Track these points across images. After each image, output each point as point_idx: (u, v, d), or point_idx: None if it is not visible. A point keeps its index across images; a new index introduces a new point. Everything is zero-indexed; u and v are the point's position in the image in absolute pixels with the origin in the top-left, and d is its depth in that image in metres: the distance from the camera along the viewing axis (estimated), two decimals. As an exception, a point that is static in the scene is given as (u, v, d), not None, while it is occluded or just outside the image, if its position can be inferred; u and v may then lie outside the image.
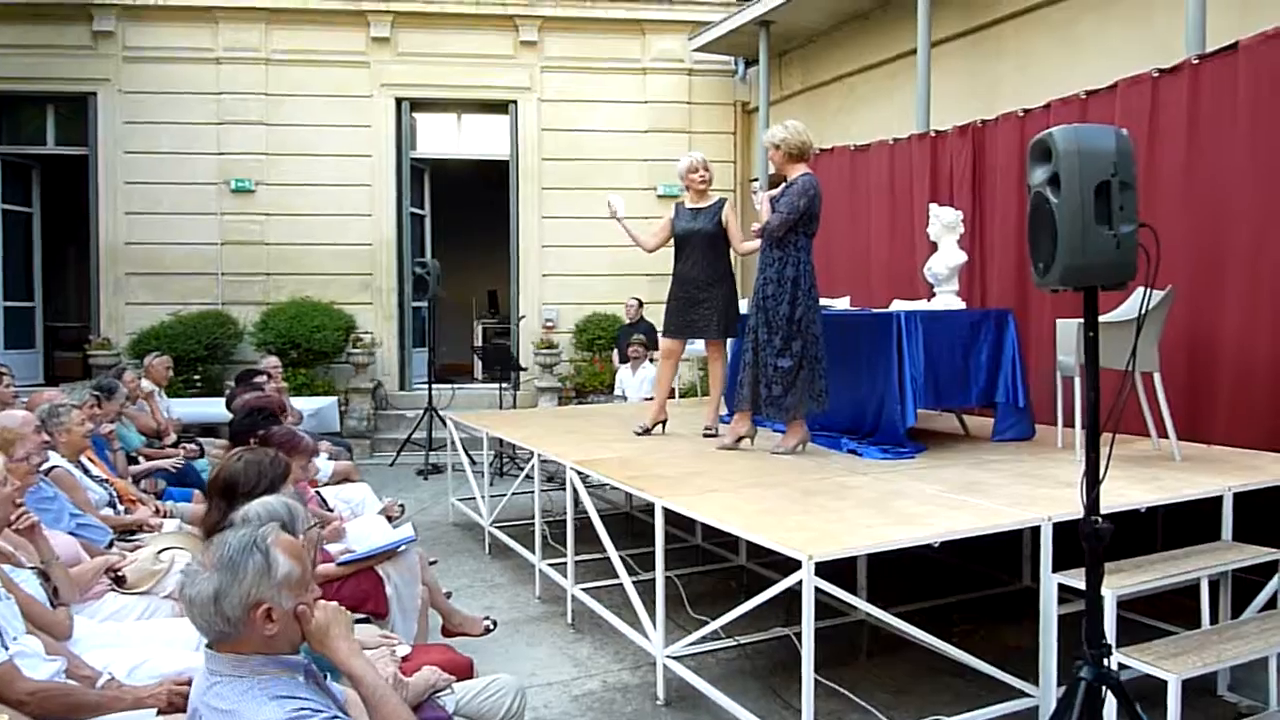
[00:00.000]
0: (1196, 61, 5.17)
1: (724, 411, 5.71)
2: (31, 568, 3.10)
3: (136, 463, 6.18)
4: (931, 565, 4.96)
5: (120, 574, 3.58)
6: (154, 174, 10.81)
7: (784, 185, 4.95)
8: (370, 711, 1.97)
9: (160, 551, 3.83)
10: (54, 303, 12.34)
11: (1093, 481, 2.32)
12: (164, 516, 4.85)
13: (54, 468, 4.21)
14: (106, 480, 4.77)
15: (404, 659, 2.84)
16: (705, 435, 5.56)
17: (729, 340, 5.72)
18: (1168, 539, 4.28)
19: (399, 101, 11.24)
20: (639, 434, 5.67)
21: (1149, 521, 4.23)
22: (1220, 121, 5.00)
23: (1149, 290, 2.46)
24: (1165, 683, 2.99)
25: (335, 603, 2.00)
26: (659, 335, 9.70)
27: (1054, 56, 7.02)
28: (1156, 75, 5.35)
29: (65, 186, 11.53)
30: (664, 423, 5.74)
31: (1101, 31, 6.70)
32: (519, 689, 2.70)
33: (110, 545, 4.09)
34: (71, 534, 3.87)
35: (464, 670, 2.91)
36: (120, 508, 4.70)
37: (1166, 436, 4.60)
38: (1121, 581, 3.27)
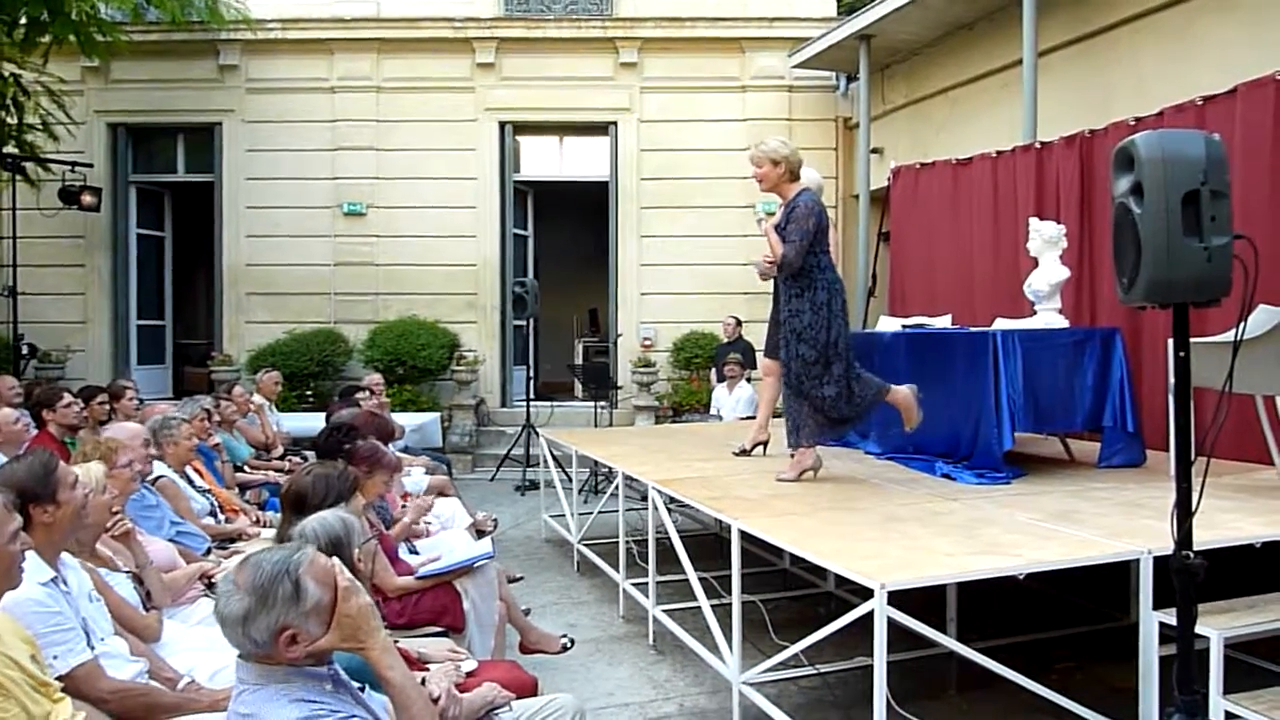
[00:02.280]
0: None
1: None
2: (126, 572, 3.26)
3: (245, 474, 6.47)
4: (1033, 597, 4.71)
5: (214, 580, 3.72)
6: (273, 199, 11.37)
7: (786, 209, 4.74)
8: (397, 712, 1.99)
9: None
10: (183, 321, 13.13)
11: (1184, 513, 2.14)
12: (264, 526, 5.05)
13: (160, 477, 4.44)
14: (209, 490, 4.98)
15: (469, 674, 2.86)
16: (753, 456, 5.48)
17: None
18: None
19: (502, 125, 11.51)
20: (737, 454, 5.57)
21: (1273, 557, 3.92)
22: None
23: (1246, 306, 2.26)
24: (1278, 734, 2.74)
25: (369, 601, 2.01)
26: (757, 354, 9.68)
27: (1169, 62, 6.65)
28: (1281, 78, 4.99)
29: (194, 211, 12.25)
30: (765, 444, 5.60)
31: (1219, 34, 6.32)
32: (578, 709, 2.67)
33: (208, 553, 4.28)
34: (171, 540, 4.06)
35: (527, 689, 2.89)
36: (221, 517, 4.91)
37: (1292, 465, 4.26)
38: (1231, 622, 3.02)
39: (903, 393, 4.70)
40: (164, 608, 3.36)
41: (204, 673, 2.94)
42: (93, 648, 2.61)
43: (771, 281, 5.45)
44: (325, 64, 11.38)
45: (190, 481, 4.82)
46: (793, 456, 4.83)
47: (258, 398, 7.70)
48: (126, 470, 3.69)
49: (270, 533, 4.91)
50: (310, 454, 7.30)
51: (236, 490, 5.78)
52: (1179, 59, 6.57)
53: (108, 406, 6.15)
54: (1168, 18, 6.74)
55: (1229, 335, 4.09)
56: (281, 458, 7.17)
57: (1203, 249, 2.10)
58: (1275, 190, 4.98)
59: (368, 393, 7.41)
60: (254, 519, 5.14)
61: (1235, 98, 5.23)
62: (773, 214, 5.06)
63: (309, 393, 10.54)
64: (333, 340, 10.98)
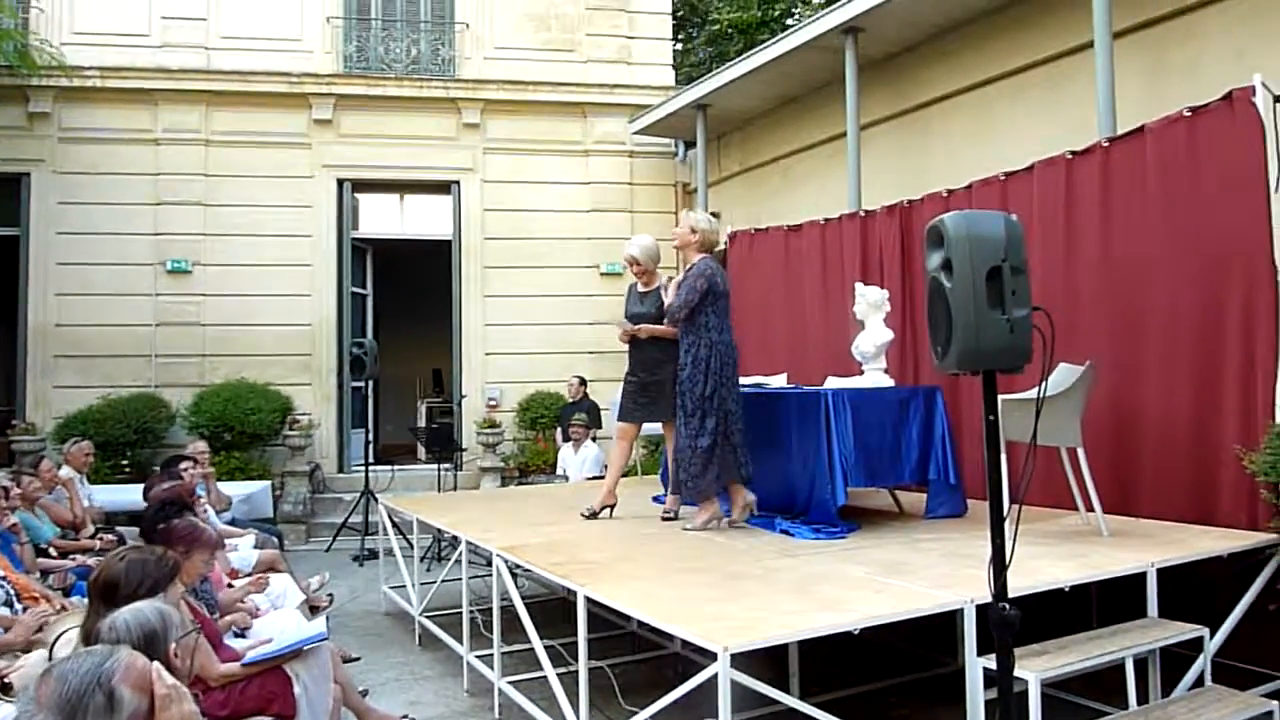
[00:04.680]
0: (1107, 144, 5.35)
1: (661, 492, 5.67)
2: (-99, 679, 2.91)
3: (50, 556, 5.92)
4: (870, 647, 4.87)
5: (6, 681, 3.37)
6: (88, 255, 10.62)
7: (685, 271, 5.14)
8: None
9: (53, 646, 3.63)
10: (-21, 387, 11.99)
11: (1000, 567, 2.28)
12: (68, 613, 4.61)
13: (-55, 566, 4.00)
14: (5, 577, 4.52)
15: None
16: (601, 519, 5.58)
17: None
18: (1103, 613, 4.27)
19: (340, 182, 11.25)
20: (586, 517, 5.57)
21: (1083, 596, 4.22)
22: (1132, 199, 5.15)
23: (1046, 374, 2.46)
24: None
25: (193, 709, 1.85)
26: (603, 413, 9.73)
27: (976, 138, 7.26)
28: (1070, 157, 5.52)
29: (-5, 267, 11.30)
30: (612, 507, 5.62)
31: (1013, 116, 6.96)
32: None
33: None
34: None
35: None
36: (19, 606, 4.46)
37: (1094, 510, 4.62)
38: (1045, 664, 3.22)
39: (744, 499, 5.09)
40: (-54, 716, 3.01)
41: (-8, 788, 2.65)
42: None
43: (627, 347, 5.60)
44: (149, 114, 10.82)
45: (-18, 568, 4.36)
46: (670, 513, 5.38)
47: (66, 470, 7.09)
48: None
49: (74, 621, 4.51)
50: (125, 530, 6.82)
51: (38, 575, 5.27)
52: (984, 136, 7.18)
53: (-114, 486, 5.52)
54: (971, 99, 7.37)
55: (1034, 392, 4.43)
56: (93, 536, 6.60)
57: (1005, 320, 2.28)
58: (1069, 254, 5.48)
59: (192, 462, 6.95)
60: (58, 606, 4.69)
61: (1032, 174, 5.74)
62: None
63: (124, 462, 9.79)
64: (153, 405, 10.27)
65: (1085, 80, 6.13)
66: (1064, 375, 4.60)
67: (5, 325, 11.42)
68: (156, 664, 1.81)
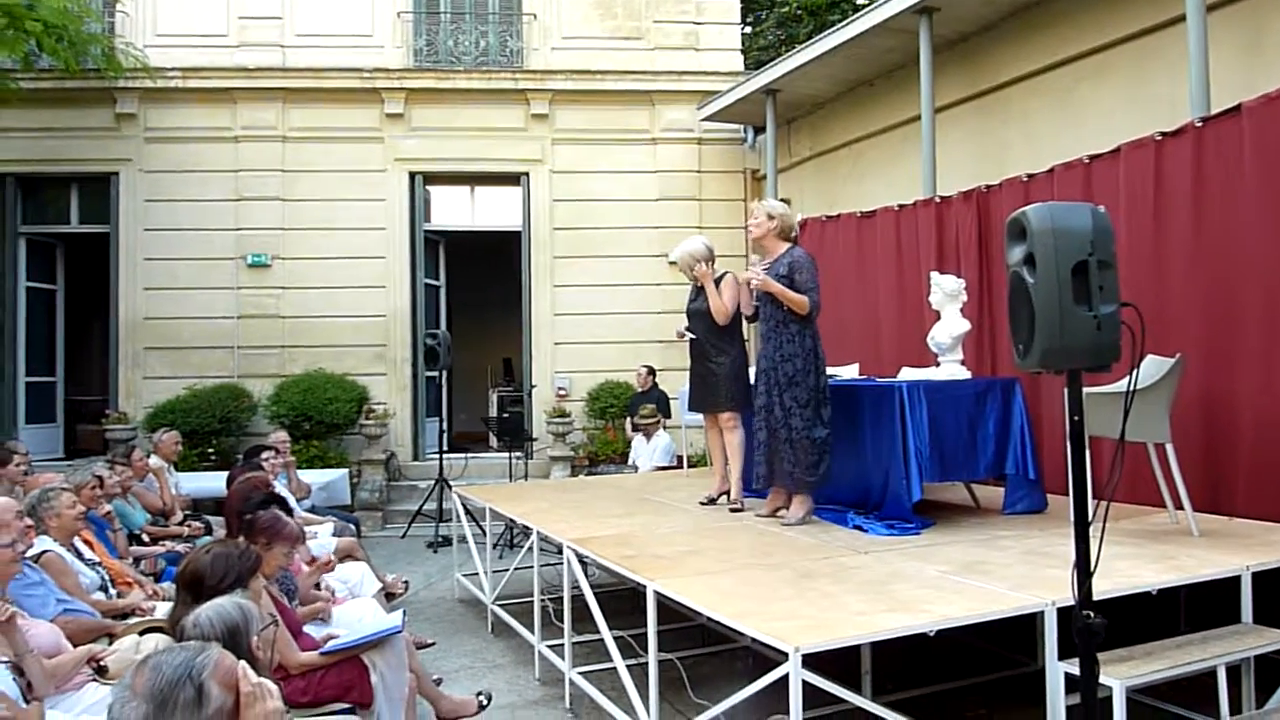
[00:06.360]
0: (1200, 124, 5.11)
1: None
2: (4, 662, 3.04)
3: (142, 542, 6.15)
4: (945, 646, 4.77)
5: (102, 664, 3.51)
6: (173, 250, 11.00)
7: (785, 263, 4.99)
8: None
9: (143, 634, 3.78)
10: (75, 377, 12.51)
11: (1084, 574, 2.20)
12: (159, 599, 4.79)
13: (44, 552, 4.18)
14: (100, 563, 4.71)
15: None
16: (719, 506, 5.55)
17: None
18: (1192, 617, 4.10)
19: (413, 175, 11.42)
20: (703, 504, 5.69)
21: (1171, 600, 4.06)
22: (1227, 182, 4.92)
23: (1135, 366, 2.35)
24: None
25: (278, 707, 1.90)
26: (671, 403, 9.71)
27: (1058, 120, 7.00)
28: (1160, 138, 5.29)
29: (90, 263, 11.76)
30: (727, 494, 5.64)
31: (1099, 97, 6.69)
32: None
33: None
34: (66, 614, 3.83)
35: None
36: (113, 591, 4.64)
37: (1183, 509, 4.44)
38: (1130, 670, 3.11)
39: (811, 498, 5.07)
40: (46, 697, 3.15)
41: (88, 768, 2.76)
42: (-37, 751, 2.43)
43: (688, 339, 5.58)
44: (228, 113, 11.14)
45: (79, 554, 4.54)
46: (740, 506, 5.38)
47: (155, 459, 7.35)
48: (8, 550, 3.47)
49: (166, 606, 4.67)
50: (214, 519, 7.04)
51: (130, 561, 5.48)
52: (1066, 118, 6.93)
53: (-10, 474, 5.79)
54: (1052, 79, 7.11)
55: (1120, 385, 4.27)
56: (181, 523, 6.84)
57: (1092, 318, 2.19)
58: (1158, 241, 5.26)
59: (274, 452, 7.15)
60: (149, 591, 4.87)
61: (1119, 157, 5.52)
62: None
63: (210, 451, 10.13)
64: (236, 396, 10.60)
65: (1176, 57, 5.86)
66: (1152, 368, 4.42)
67: (99, 319, 11.90)
68: (243, 663, 1.86)
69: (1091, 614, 2.22)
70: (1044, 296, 2.21)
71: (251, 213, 11.11)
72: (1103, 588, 3.02)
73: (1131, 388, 2.34)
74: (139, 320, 11.02)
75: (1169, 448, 4.40)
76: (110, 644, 3.73)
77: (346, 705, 3.58)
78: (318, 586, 4.77)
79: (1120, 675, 3.03)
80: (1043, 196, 5.75)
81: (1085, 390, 2.82)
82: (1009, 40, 7.53)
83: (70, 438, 11.97)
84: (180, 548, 6.03)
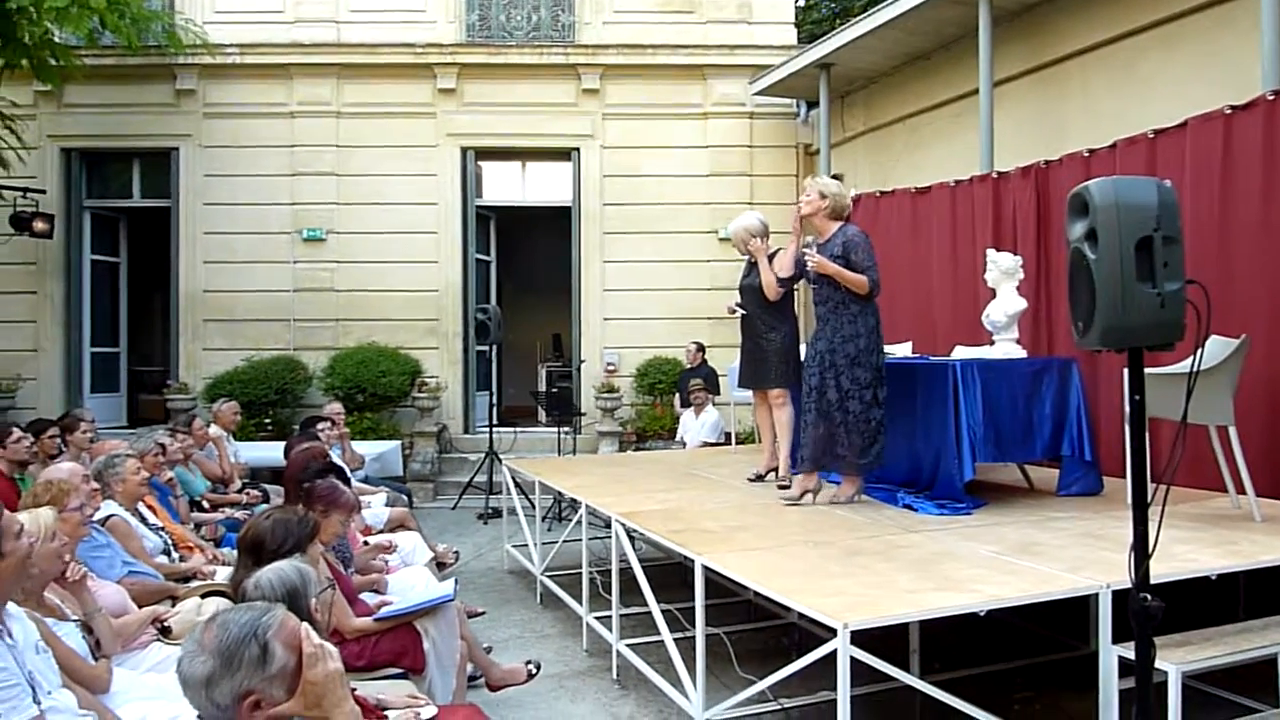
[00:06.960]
0: (1272, 97, 4.94)
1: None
2: (75, 620, 3.16)
3: (202, 508, 6.33)
4: (994, 627, 4.72)
5: (166, 624, 3.63)
6: (230, 224, 11.23)
7: (839, 242, 4.91)
8: None
9: (204, 597, 3.89)
10: (138, 348, 12.87)
11: (1141, 555, 2.16)
12: (220, 563, 4.93)
13: (110, 516, 4.32)
14: (163, 527, 4.86)
15: (430, 720, 2.81)
16: (767, 483, 5.53)
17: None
18: (1251, 604, 4.01)
19: (464, 150, 11.48)
20: (751, 480, 5.69)
21: (1230, 586, 3.97)
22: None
23: (1199, 346, 2.29)
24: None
25: (338, 668, 1.96)
26: (721, 380, 9.69)
27: (1121, 94, 6.81)
28: (1230, 112, 5.12)
29: (151, 237, 12.05)
30: (776, 470, 5.65)
31: (1166, 69, 6.48)
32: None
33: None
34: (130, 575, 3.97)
35: (488, 735, 2.85)
36: (175, 555, 4.79)
37: (1245, 493, 4.33)
38: (1187, 655, 3.05)
39: (861, 479, 5.03)
40: (114, 655, 3.27)
41: (156, 722, 2.86)
42: (39, 702, 2.53)
43: (739, 315, 5.56)
44: (284, 89, 11.30)
45: (143, 519, 4.70)
46: (788, 483, 5.21)
47: (215, 428, 7.55)
48: (77, 514, 3.59)
49: (227, 571, 4.81)
50: (271, 487, 7.22)
51: (192, 526, 5.65)
52: (1130, 92, 6.73)
53: (59, 440, 6.00)
54: (1116, 51, 6.91)
55: (1182, 365, 4.17)
56: (240, 490, 7.03)
57: (1156, 295, 2.13)
58: (1224, 218, 5.11)
59: (329, 423, 7.30)
60: (210, 556, 5.02)
61: (1185, 131, 5.35)
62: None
63: (267, 421, 10.36)
64: (292, 367, 10.82)
65: (1247, 27, 5.65)
66: (1217, 348, 4.31)
67: (160, 291, 12.21)
68: (306, 625, 1.92)
69: (1149, 596, 2.19)
70: (1106, 273, 2.16)
71: (306, 187, 11.28)
72: (1159, 570, 2.95)
73: (1195, 368, 2.28)
74: (198, 293, 11.28)
75: (1232, 430, 4.30)
76: (173, 606, 3.86)
77: (400, 670, 3.67)
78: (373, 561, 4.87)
79: (1177, 660, 2.98)
80: (1104, 172, 5.60)
81: (1147, 371, 2.76)
82: (1070, 11, 7.33)
83: (133, 407, 12.35)
84: (239, 514, 6.20)
